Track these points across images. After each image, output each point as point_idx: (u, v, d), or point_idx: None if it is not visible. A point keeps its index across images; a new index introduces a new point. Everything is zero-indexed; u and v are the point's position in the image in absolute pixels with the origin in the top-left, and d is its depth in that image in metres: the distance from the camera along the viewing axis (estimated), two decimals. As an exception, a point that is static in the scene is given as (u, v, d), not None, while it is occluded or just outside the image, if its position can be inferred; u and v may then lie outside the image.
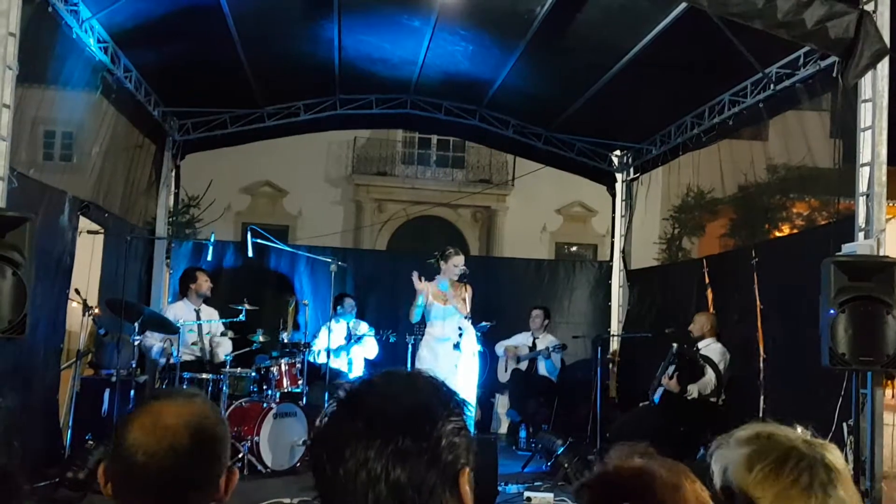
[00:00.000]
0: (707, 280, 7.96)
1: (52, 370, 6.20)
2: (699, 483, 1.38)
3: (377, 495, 1.05)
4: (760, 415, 6.03)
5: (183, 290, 7.67)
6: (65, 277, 6.36)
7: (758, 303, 6.74)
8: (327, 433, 1.11)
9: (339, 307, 8.41)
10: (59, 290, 6.27)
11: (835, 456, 1.54)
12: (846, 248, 5.06)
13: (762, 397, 6.57)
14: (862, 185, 5.08)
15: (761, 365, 6.68)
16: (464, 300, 6.76)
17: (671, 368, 6.91)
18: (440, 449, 1.07)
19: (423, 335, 7.16)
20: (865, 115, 5.07)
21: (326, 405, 1.15)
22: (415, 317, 6.86)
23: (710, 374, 6.81)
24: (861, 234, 5.04)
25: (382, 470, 1.05)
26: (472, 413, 1.10)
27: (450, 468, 1.08)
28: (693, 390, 6.80)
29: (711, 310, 7.61)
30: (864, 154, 5.07)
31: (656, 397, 6.99)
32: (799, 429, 1.59)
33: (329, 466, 1.08)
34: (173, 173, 9.42)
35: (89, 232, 7.10)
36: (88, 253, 7.05)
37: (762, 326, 6.69)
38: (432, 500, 1.06)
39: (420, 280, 6.73)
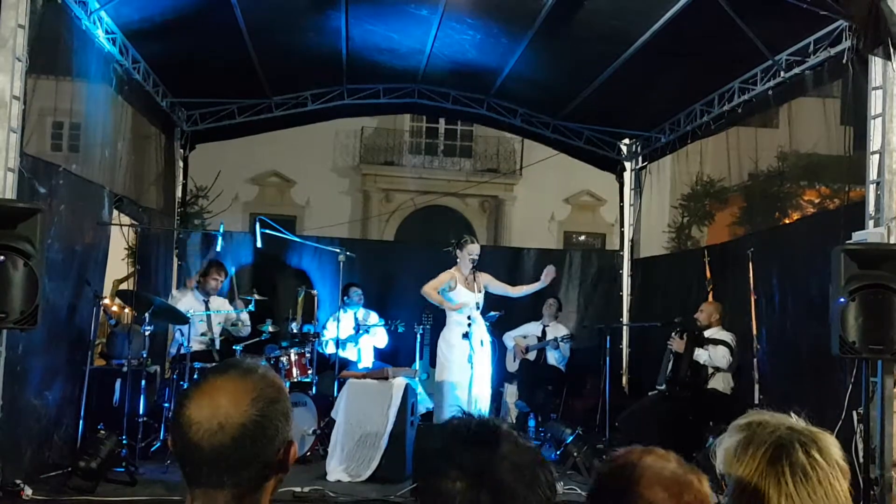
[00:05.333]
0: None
1: (86, 363, 6.29)
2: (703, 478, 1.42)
3: None
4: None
5: (198, 281, 7.73)
6: (101, 271, 6.58)
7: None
8: (448, 497, 1.18)
9: (345, 297, 8.42)
10: (99, 284, 6.51)
11: (825, 444, 1.55)
12: (856, 236, 5.03)
13: (760, 386, 6.54)
14: (872, 173, 5.06)
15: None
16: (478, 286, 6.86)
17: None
18: None
19: (431, 324, 7.19)
20: (876, 102, 5.04)
21: (439, 463, 1.21)
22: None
23: (721, 347, 6.71)
24: (871, 223, 5.02)
25: None
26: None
27: None
28: (701, 354, 6.70)
29: (711, 298, 7.59)
30: (875, 141, 5.04)
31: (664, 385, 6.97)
32: (794, 417, 1.61)
33: None
34: (182, 164, 9.44)
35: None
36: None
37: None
38: None
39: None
